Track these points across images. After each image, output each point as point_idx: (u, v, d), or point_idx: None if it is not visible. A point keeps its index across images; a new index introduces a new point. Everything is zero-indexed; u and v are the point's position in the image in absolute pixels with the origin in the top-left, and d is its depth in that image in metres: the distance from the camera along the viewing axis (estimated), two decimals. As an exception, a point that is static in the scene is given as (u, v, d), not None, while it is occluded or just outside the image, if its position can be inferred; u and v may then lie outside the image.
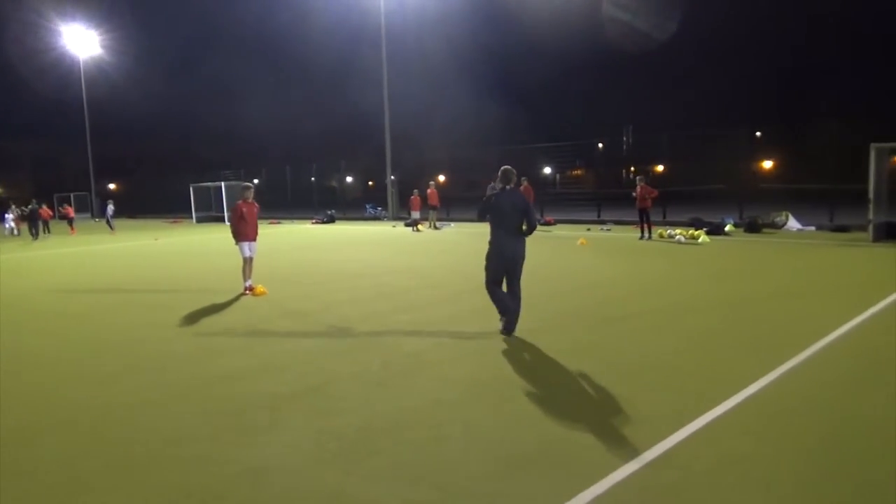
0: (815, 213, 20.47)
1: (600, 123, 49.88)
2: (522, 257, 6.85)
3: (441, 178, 43.95)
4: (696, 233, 17.05)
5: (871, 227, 15.29)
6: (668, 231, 17.99)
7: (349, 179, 49.54)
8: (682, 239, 16.71)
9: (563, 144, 32.13)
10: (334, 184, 49.23)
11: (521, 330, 6.96)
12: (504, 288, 6.93)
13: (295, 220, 35.86)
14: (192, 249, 19.44)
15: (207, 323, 8.18)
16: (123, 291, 11.23)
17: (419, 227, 24.60)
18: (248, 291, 10.39)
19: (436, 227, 24.87)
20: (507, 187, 6.85)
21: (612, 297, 9.28)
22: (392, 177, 33.41)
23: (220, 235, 25.43)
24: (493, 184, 9.17)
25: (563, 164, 36.03)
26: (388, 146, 33.28)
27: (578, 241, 17.11)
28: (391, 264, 13.89)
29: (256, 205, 10.82)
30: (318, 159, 44.42)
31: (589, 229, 21.78)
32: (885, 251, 13.56)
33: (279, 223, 34.80)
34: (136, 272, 14.03)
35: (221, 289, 10.90)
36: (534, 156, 32.35)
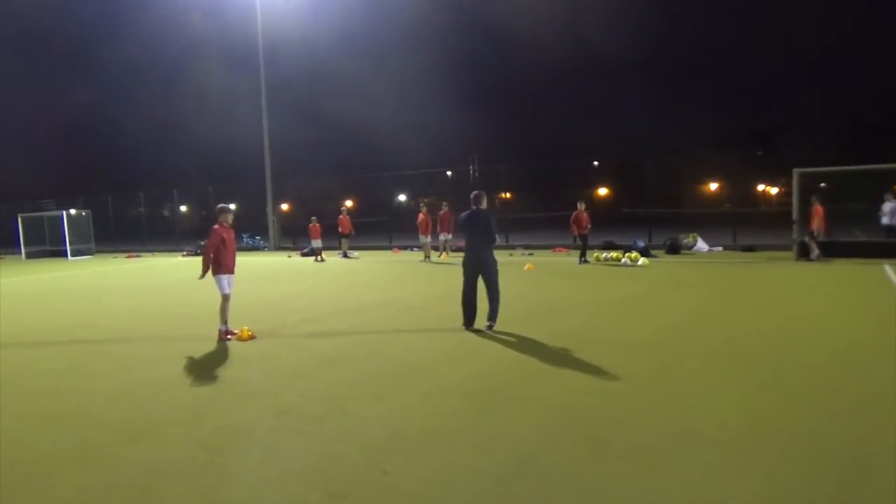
0: (708, 235, 21.74)
1: (449, 153, 51.53)
2: (489, 261, 8.23)
3: (284, 206, 42.36)
4: (635, 255, 17.23)
5: (795, 247, 16.36)
6: (605, 254, 18.03)
7: (183, 209, 45.94)
8: (628, 262, 16.77)
9: (416, 173, 33.25)
10: (166, 213, 45.56)
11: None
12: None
13: (156, 253, 31.80)
14: (68, 287, 15.98)
15: (243, 382, 6.22)
16: (54, 344, 8.55)
17: (322, 256, 22.65)
18: (229, 336, 8.37)
19: (347, 256, 23.07)
20: (478, 207, 8.28)
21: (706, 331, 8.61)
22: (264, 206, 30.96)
23: (75, 272, 21.56)
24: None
25: (417, 191, 38.28)
26: (269, 172, 30.80)
27: (525, 267, 16.47)
28: (359, 297, 12.21)
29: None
30: (147, 187, 40.28)
31: (511, 254, 21.34)
32: (821, 267, 14.51)
33: (138, 256, 30.64)
34: (32, 318, 10.98)
35: (186, 335, 8.73)
36: (390, 183, 33.39)
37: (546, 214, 30.17)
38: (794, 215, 16.29)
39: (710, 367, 6.22)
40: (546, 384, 5.76)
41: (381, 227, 30.29)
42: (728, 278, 13.39)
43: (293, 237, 31.41)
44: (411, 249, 25.75)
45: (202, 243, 30.37)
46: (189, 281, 16.70)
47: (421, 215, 20.32)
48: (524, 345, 7.43)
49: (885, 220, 18.84)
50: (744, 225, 22.79)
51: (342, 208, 22.83)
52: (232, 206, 8.74)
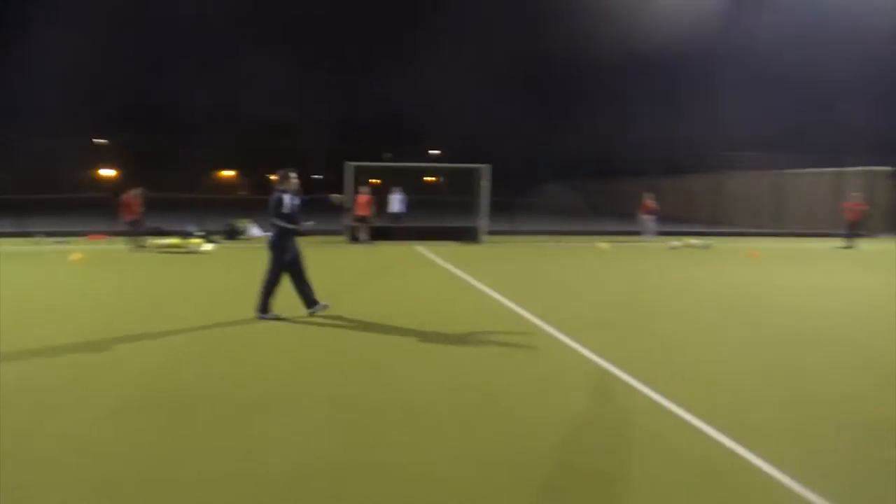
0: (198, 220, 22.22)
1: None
2: (270, 245, 7.80)
3: None
4: (198, 241, 16.40)
5: (347, 231, 18.23)
6: (165, 241, 16.61)
7: None
8: (196, 248, 15.83)
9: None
10: None
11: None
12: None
13: None
14: None
15: None
16: None
17: None
18: None
19: None
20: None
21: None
22: None
23: None
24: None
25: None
26: None
27: (73, 257, 13.84)
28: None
29: None
30: None
31: (38, 243, 17.54)
32: (380, 248, 16.62)
33: None
34: None
35: None
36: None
37: (54, 196, 25.57)
38: (347, 204, 18.08)
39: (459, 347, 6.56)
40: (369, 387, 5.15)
41: None
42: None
43: None
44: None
45: None
46: None
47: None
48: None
49: (393, 209, 22.59)
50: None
51: None
52: None
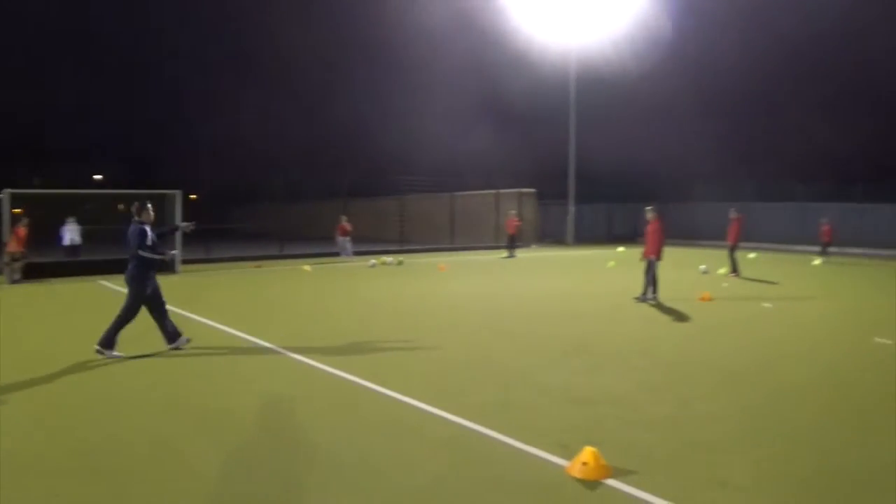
0: None
1: None
2: (127, 278, 7.51)
3: None
4: None
5: (6, 270, 15.47)
6: None
7: None
8: None
9: None
10: None
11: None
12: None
13: None
14: None
15: None
16: None
17: None
18: None
19: None
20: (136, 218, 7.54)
21: None
22: None
23: None
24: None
25: None
26: None
27: None
28: None
29: None
30: None
31: None
32: (52, 288, 14.45)
33: None
34: None
35: None
36: None
37: None
38: (5, 237, 15.40)
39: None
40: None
41: None
42: None
43: None
44: None
45: None
46: None
47: None
48: None
49: (66, 241, 19.88)
50: None
51: None
52: None
